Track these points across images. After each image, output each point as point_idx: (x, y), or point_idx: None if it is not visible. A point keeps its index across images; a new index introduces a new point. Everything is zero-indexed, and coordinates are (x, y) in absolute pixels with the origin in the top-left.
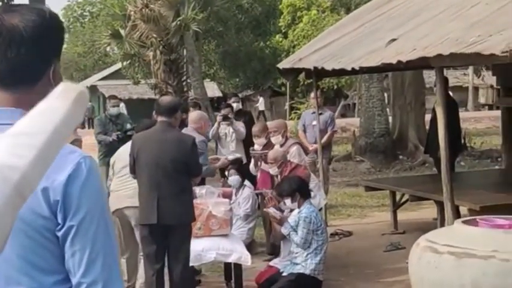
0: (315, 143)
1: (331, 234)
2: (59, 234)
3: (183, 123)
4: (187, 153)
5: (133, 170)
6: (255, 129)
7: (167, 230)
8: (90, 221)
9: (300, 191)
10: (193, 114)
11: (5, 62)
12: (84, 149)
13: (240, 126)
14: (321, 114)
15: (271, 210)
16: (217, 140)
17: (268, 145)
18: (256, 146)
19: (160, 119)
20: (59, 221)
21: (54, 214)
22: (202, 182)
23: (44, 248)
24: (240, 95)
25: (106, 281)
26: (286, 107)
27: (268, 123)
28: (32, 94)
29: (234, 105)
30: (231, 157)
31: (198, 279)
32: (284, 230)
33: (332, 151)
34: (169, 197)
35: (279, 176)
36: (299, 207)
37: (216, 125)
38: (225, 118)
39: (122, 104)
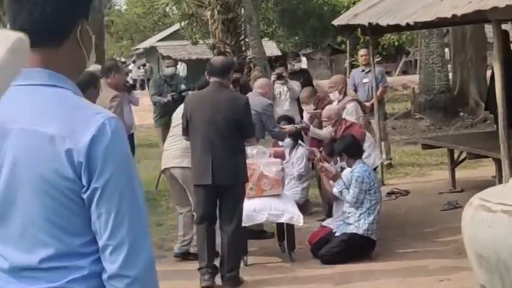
0: (367, 101)
1: (388, 194)
2: (84, 196)
3: (238, 83)
4: (241, 113)
5: (186, 132)
6: (302, 95)
7: (221, 190)
8: (116, 183)
9: (350, 150)
10: (260, 80)
11: (30, 22)
12: (140, 110)
13: (295, 85)
14: (370, 71)
15: (327, 165)
16: (271, 99)
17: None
18: (305, 114)
19: (212, 79)
20: (84, 183)
21: (78, 176)
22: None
23: (69, 210)
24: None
25: (132, 243)
26: (346, 64)
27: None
28: (58, 54)
29: (297, 65)
30: (299, 126)
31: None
32: (337, 187)
33: (393, 109)
34: (224, 157)
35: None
36: (349, 166)
37: None
38: (279, 77)
39: (182, 65)
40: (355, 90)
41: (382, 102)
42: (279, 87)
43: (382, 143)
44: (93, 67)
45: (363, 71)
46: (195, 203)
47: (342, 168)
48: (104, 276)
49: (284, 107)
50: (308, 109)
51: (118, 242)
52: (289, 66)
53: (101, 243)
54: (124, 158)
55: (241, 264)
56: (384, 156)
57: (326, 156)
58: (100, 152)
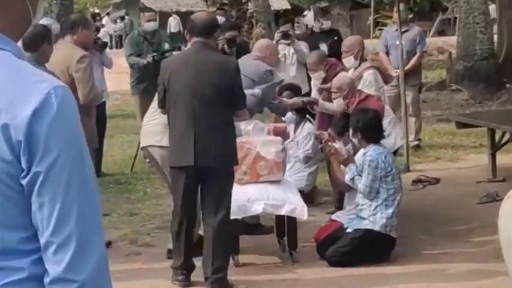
0: (403, 68)
1: (414, 182)
2: (24, 182)
3: (235, 43)
4: (229, 79)
5: (162, 103)
6: (310, 59)
7: (204, 174)
8: (62, 166)
9: (367, 129)
10: (261, 41)
11: None
12: (114, 72)
13: (303, 46)
14: (406, 31)
15: (337, 145)
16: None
17: (329, 79)
18: (313, 83)
19: (194, 39)
20: (23, 166)
21: (17, 157)
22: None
23: (6, 198)
24: (311, 7)
25: (81, 240)
26: (370, 22)
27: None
28: None
29: (325, 23)
30: (306, 100)
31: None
32: (348, 174)
33: (425, 77)
34: (208, 133)
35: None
36: (362, 147)
37: None
38: (285, 36)
39: (176, 19)
40: (387, 54)
41: (419, 70)
42: (284, 49)
43: (413, 120)
44: (45, 21)
45: (398, 30)
46: (171, 188)
47: (355, 149)
48: (46, 280)
49: (290, 73)
50: (317, 77)
51: (64, 238)
52: (316, 25)
53: (42, 239)
54: (73, 137)
55: (231, 263)
56: (413, 136)
57: (336, 135)
58: (43, 129)
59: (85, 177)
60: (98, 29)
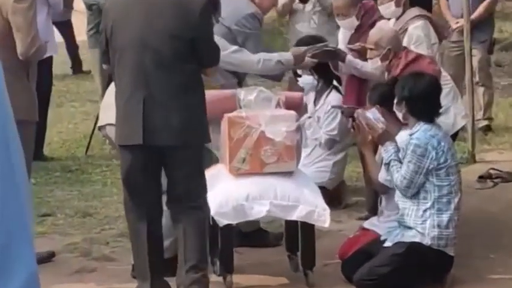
0: (463, 16)
1: (481, 177)
2: None
3: None
4: (194, 25)
5: (105, 58)
6: (337, 3)
7: (163, 155)
8: None
9: (417, 101)
10: None
11: None
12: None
13: None
14: None
15: (369, 113)
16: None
17: (362, 31)
18: (341, 34)
19: None
20: None
21: None
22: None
23: None
24: None
25: (4, 252)
26: None
27: None
28: None
29: None
30: (332, 47)
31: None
32: (384, 154)
33: (500, 31)
34: (165, 100)
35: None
36: (406, 123)
37: None
38: None
39: None
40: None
41: (490, 21)
42: None
43: (481, 91)
44: None
45: None
46: (121, 174)
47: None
48: None
49: (311, 23)
50: (347, 25)
51: None
52: None
53: None
54: None
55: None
56: (481, 113)
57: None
58: None
59: (9, 166)
60: None
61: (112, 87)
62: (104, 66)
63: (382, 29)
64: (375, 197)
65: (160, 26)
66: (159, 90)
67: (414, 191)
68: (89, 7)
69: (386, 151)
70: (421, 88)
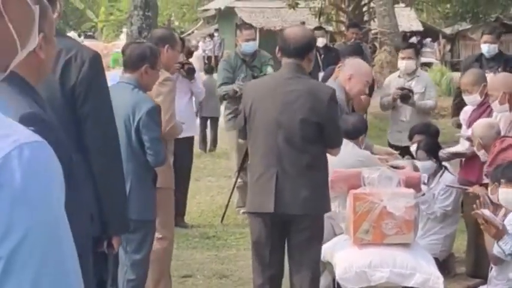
0: None
1: None
2: None
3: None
4: (323, 111)
5: (242, 134)
6: (464, 80)
7: (288, 223)
8: (31, 249)
9: None
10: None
11: None
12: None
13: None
14: None
15: (488, 213)
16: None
17: (484, 106)
18: (467, 108)
19: (285, 61)
20: None
21: None
22: None
23: None
24: (446, 30)
25: None
26: None
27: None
28: None
29: (492, 47)
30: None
31: None
32: (504, 247)
33: None
34: (294, 175)
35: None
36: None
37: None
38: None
39: None
40: None
41: None
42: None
43: None
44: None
45: None
46: (251, 238)
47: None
48: None
49: (402, 116)
50: (471, 101)
51: None
52: (485, 48)
53: None
54: (47, 207)
55: None
56: None
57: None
58: (4, 202)
59: (62, 261)
60: (190, 52)
61: None
62: (241, 141)
63: (483, 125)
64: (476, 263)
65: (293, 111)
66: (290, 167)
67: None
68: (223, 97)
69: (505, 243)
70: None
